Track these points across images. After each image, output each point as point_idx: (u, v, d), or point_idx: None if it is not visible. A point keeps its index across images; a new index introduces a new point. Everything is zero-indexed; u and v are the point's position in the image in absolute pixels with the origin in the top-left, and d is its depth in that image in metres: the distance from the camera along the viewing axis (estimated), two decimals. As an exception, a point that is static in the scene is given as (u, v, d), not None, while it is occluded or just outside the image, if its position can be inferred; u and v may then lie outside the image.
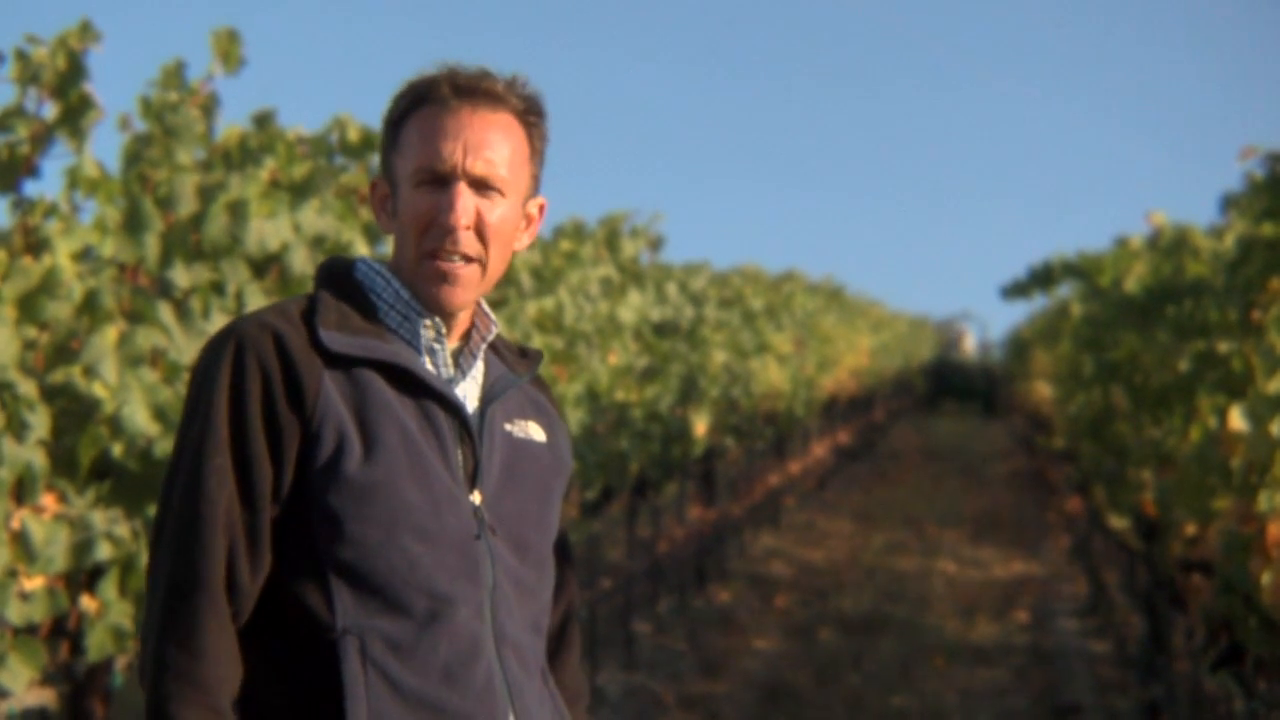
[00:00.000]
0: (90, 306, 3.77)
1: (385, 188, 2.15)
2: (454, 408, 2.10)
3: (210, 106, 4.34)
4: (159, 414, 3.76)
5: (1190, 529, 5.52)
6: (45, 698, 3.92)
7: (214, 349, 2.04)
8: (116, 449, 3.72)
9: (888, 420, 28.92)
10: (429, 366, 2.12)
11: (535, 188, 2.19)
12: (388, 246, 4.25)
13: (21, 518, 3.49)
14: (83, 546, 3.58)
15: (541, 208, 2.21)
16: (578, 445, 6.71)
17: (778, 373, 13.12)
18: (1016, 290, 12.19)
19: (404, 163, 2.10)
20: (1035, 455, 20.56)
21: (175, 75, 4.29)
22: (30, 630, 3.63)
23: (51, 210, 3.94)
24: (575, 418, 6.85)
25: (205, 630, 1.95)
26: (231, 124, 4.48)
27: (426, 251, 2.09)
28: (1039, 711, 7.95)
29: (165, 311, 3.94)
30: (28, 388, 3.52)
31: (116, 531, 3.63)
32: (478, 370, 2.19)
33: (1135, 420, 7.17)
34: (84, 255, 4.00)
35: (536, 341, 6.53)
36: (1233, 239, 6.24)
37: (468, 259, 2.09)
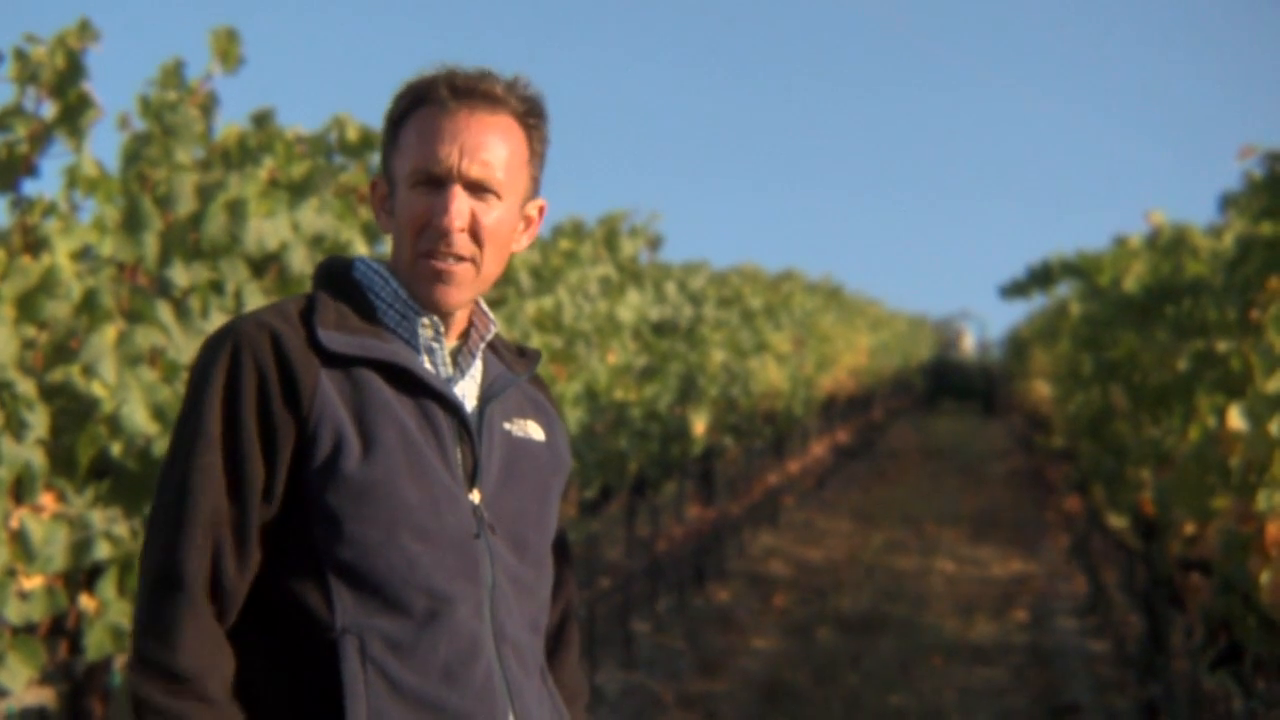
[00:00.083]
0: (89, 306, 3.77)
1: (385, 187, 2.15)
2: (453, 407, 2.10)
3: (209, 106, 4.34)
4: (158, 413, 3.76)
5: (1189, 528, 5.52)
6: (44, 697, 3.92)
7: (211, 348, 2.05)
8: (115, 448, 3.72)
9: (886, 419, 28.92)
10: (427, 366, 2.12)
11: (535, 190, 2.19)
12: (386, 246, 4.25)
13: (20, 517, 3.49)
14: (81, 545, 3.58)
15: (541, 210, 2.21)
16: (576, 444, 6.71)
17: (776, 372, 13.12)
18: (1015, 289, 12.20)
19: (402, 163, 2.11)
20: (1034, 454, 20.56)
21: (174, 74, 4.29)
22: (29, 629, 3.64)
23: (50, 209, 3.94)
24: (574, 417, 6.85)
25: (184, 625, 1.96)
26: (230, 123, 4.48)
27: (422, 252, 2.09)
28: (1038, 711, 7.95)
29: (164, 311, 3.94)
30: (27, 387, 3.52)
31: (115, 531, 3.63)
32: (476, 369, 2.19)
33: (1134, 419, 7.17)
34: (83, 254, 4.00)
35: (535, 341, 6.53)
36: (1231, 238, 6.24)
37: (461, 258, 2.09)
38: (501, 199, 2.11)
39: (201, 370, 2.04)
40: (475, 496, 2.09)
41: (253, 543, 2.01)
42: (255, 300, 4.17)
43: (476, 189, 2.09)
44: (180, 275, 4.09)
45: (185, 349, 3.93)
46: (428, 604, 2.01)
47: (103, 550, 3.60)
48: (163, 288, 4.09)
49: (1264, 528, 4.30)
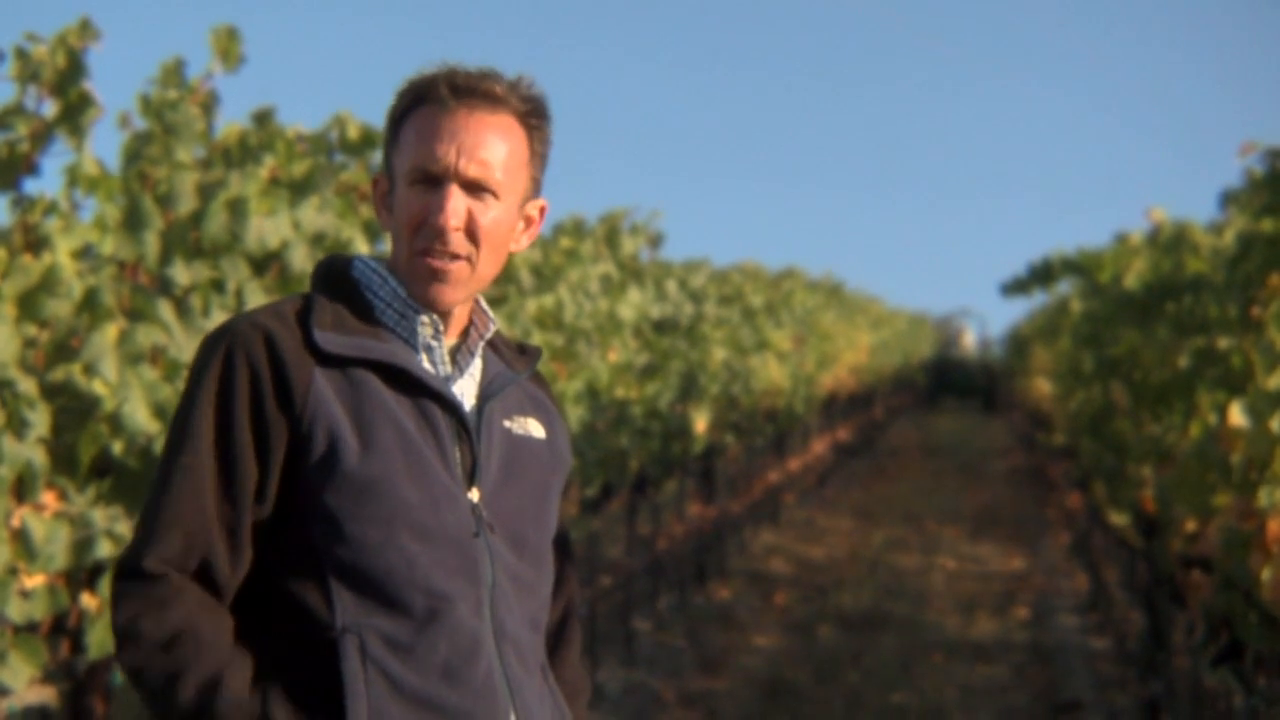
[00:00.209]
0: (90, 304, 3.77)
1: (386, 184, 2.16)
2: (451, 406, 2.10)
3: (210, 104, 4.34)
4: (159, 412, 3.76)
5: (1190, 525, 5.51)
6: (46, 695, 3.92)
7: (207, 348, 2.06)
8: (117, 447, 3.72)
9: (887, 417, 28.91)
10: (426, 364, 2.12)
11: (536, 190, 2.18)
12: (387, 244, 4.26)
13: (22, 515, 3.49)
14: (83, 544, 3.58)
15: (542, 210, 2.21)
16: (577, 442, 6.71)
17: (777, 370, 13.12)
18: (1016, 287, 12.18)
19: (401, 160, 2.11)
20: (1035, 452, 20.56)
21: (175, 73, 4.29)
22: (31, 628, 3.64)
23: (51, 208, 3.94)
24: (575, 415, 6.85)
25: (145, 616, 1.97)
26: (231, 122, 4.48)
27: (418, 250, 2.09)
28: (1039, 708, 7.95)
29: (165, 309, 3.94)
30: (28, 385, 3.52)
31: (117, 529, 3.63)
32: (475, 368, 2.19)
33: (1135, 417, 7.16)
34: (84, 253, 4.00)
35: (536, 339, 6.54)
36: (1232, 235, 6.24)
37: (456, 257, 2.09)
38: (499, 198, 2.11)
39: (196, 371, 2.05)
40: (474, 495, 2.09)
41: (245, 542, 2.02)
42: (256, 299, 4.17)
43: (474, 188, 2.09)
44: (181, 274, 4.09)
45: (186, 347, 3.93)
46: (427, 603, 2.01)
47: (104, 549, 3.60)
48: (164, 286, 4.09)
49: (1265, 525, 4.30)
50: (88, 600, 3.74)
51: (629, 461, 8.19)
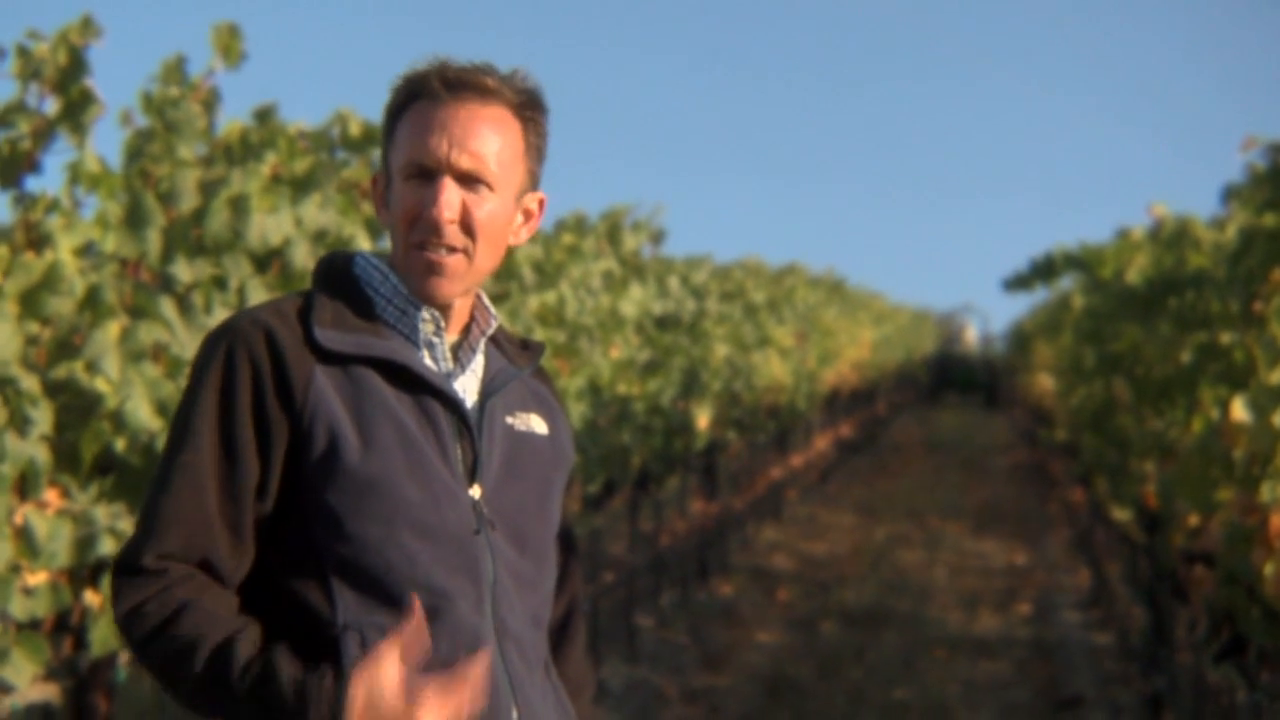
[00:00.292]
0: (92, 302, 3.77)
1: (384, 181, 2.15)
2: (452, 403, 2.10)
3: (211, 101, 4.34)
4: (161, 409, 3.76)
5: (1192, 520, 5.51)
6: (49, 693, 3.92)
7: (208, 346, 2.06)
8: (119, 444, 3.72)
9: (890, 413, 28.90)
10: (427, 360, 2.12)
11: (533, 183, 2.17)
12: (388, 241, 4.26)
13: (24, 513, 3.49)
14: (86, 542, 3.58)
15: (541, 203, 2.20)
16: (579, 439, 6.71)
17: (780, 366, 13.12)
18: (1018, 282, 12.17)
19: (397, 156, 2.11)
20: (1037, 448, 20.55)
21: (176, 70, 4.29)
22: (34, 625, 3.64)
23: (53, 206, 3.94)
24: (577, 411, 6.85)
25: (146, 602, 1.98)
26: (233, 119, 4.48)
27: (414, 244, 2.09)
28: (1041, 703, 7.96)
29: (167, 306, 3.94)
30: (30, 383, 3.52)
31: (119, 526, 3.63)
32: (477, 364, 2.18)
33: (1137, 412, 7.16)
34: (86, 250, 4.00)
35: (538, 335, 6.54)
36: (1234, 230, 6.23)
37: (452, 250, 2.08)
38: (494, 191, 2.10)
39: (198, 369, 2.05)
40: (475, 492, 2.09)
41: (246, 539, 2.02)
42: (258, 296, 4.17)
43: (468, 180, 2.08)
44: (183, 271, 4.09)
45: (188, 345, 3.93)
46: (428, 600, 2.01)
47: (107, 546, 3.60)
48: (166, 284, 4.09)
49: (1268, 520, 4.30)
50: (90, 598, 3.74)
51: (631, 458, 8.19)
